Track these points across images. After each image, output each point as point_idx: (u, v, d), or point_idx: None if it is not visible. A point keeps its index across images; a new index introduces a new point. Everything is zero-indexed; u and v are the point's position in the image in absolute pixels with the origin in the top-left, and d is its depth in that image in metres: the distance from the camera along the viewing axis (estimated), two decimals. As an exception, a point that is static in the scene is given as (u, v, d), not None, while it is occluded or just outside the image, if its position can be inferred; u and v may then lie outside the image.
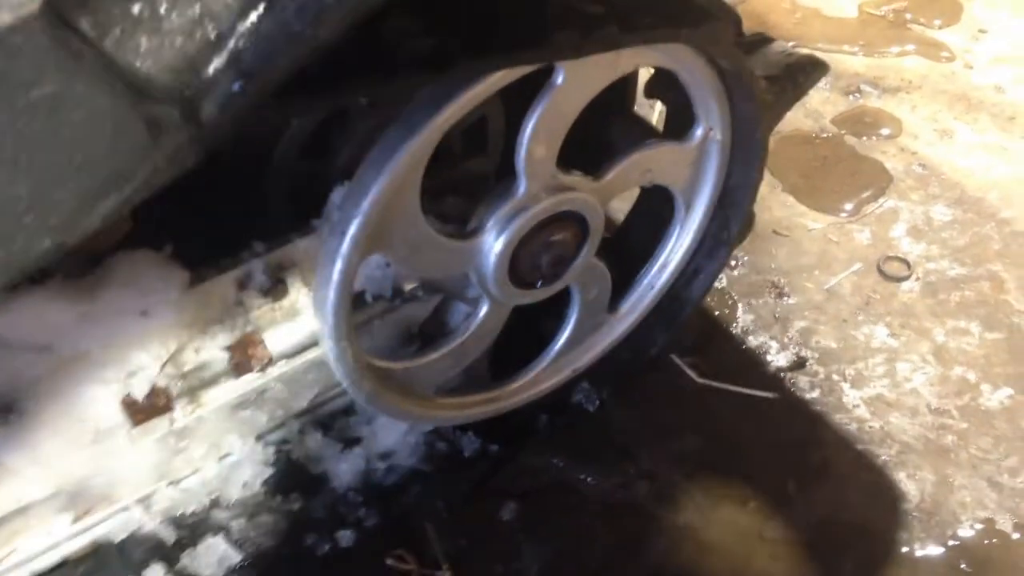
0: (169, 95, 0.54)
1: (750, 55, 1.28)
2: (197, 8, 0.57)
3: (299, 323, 1.20)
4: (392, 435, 1.37)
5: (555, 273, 1.23)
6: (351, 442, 1.36)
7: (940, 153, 2.10)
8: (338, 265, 1.00)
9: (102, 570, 1.20)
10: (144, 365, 1.11)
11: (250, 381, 1.22)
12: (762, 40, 1.36)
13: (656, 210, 1.41)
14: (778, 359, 1.63)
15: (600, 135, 1.28)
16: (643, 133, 1.29)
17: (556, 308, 1.35)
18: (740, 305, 1.72)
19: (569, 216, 1.18)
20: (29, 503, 1.12)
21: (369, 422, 1.37)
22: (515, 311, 1.27)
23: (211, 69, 0.55)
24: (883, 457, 1.48)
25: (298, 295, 1.19)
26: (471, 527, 1.33)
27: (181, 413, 1.18)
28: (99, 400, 1.10)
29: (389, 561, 1.28)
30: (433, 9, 0.92)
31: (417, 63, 0.88)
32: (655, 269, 1.44)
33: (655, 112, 1.55)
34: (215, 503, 1.27)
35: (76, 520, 1.19)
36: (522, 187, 1.11)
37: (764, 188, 1.36)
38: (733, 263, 1.78)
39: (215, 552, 1.23)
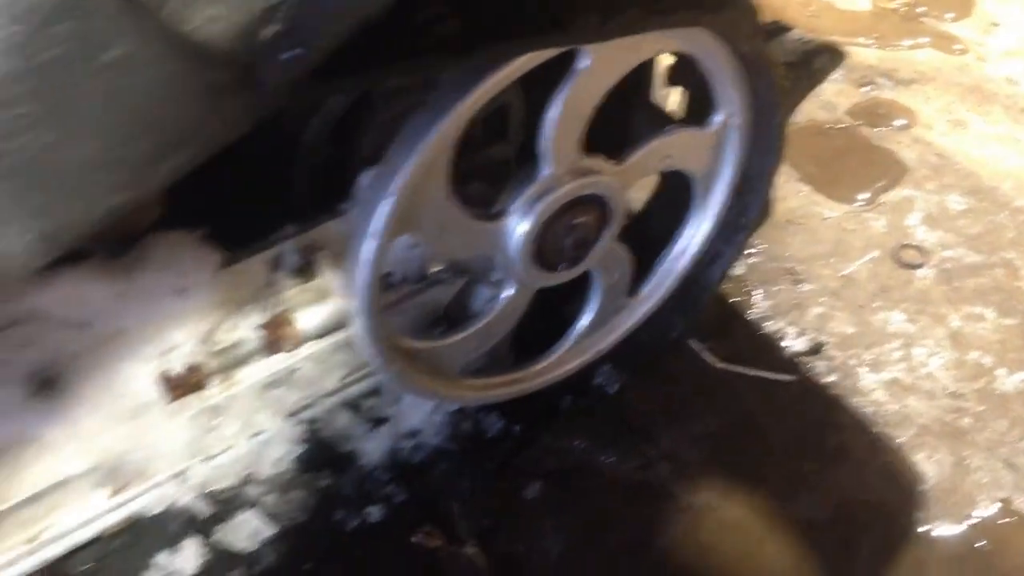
0: (228, 61, 0.57)
1: (768, 42, 1.30)
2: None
3: (329, 304, 1.22)
4: (418, 415, 1.39)
5: (577, 256, 1.25)
6: (379, 421, 1.38)
7: (954, 143, 2.11)
8: (369, 244, 1.03)
9: (137, 544, 1.23)
10: (180, 343, 1.14)
11: (281, 360, 1.25)
12: (779, 28, 1.38)
13: (676, 196, 1.43)
14: (795, 344, 1.65)
15: (621, 121, 1.30)
16: (663, 119, 1.31)
17: (578, 292, 1.38)
18: (757, 292, 1.74)
19: (592, 200, 1.20)
20: (67, 477, 1.15)
21: (396, 402, 1.40)
22: (538, 295, 1.30)
23: (267, 37, 0.58)
24: (900, 439, 1.50)
25: (328, 276, 1.22)
26: (495, 505, 1.36)
27: (215, 390, 1.21)
28: (137, 376, 1.13)
29: (415, 538, 1.30)
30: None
31: (443, 46, 0.91)
32: (674, 254, 1.46)
33: (667, 103, 1.56)
34: (247, 479, 1.29)
35: (113, 495, 1.21)
36: (547, 169, 1.13)
37: (780, 178, 1.38)
38: (749, 251, 1.80)
39: (248, 526, 1.26)
